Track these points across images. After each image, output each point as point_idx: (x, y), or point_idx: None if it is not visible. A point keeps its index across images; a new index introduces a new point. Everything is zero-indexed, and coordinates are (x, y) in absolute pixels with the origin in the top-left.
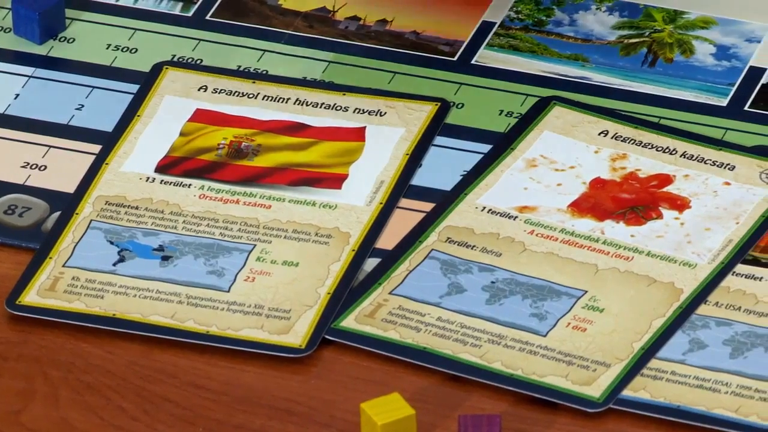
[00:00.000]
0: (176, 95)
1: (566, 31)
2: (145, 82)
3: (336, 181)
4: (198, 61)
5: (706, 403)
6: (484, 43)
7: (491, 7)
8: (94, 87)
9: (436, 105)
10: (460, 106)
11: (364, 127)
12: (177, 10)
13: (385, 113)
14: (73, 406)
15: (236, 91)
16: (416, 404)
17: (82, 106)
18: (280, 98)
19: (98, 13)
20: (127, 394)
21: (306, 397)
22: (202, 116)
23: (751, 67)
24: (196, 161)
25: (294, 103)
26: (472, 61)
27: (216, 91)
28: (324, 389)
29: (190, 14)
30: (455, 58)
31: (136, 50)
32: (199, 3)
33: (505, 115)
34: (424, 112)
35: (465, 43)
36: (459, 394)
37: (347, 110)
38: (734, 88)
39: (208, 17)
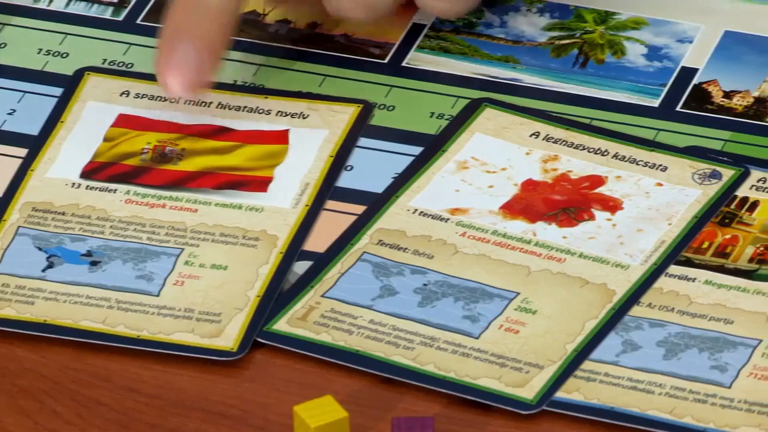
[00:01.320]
0: (98, 101)
1: (497, 33)
2: (67, 88)
3: (261, 184)
4: (129, 65)
5: (639, 405)
6: (415, 46)
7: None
8: (25, 92)
9: (359, 107)
10: (391, 108)
11: (288, 130)
12: (108, 14)
13: (308, 116)
14: (8, 411)
15: (158, 96)
16: (349, 407)
17: (14, 110)
18: (203, 102)
19: (29, 17)
20: (61, 398)
21: (239, 400)
22: (125, 121)
23: (682, 67)
24: (120, 166)
25: (216, 107)
26: (403, 64)
27: (138, 96)
28: (257, 392)
29: (120, 18)
30: (386, 61)
31: (68, 54)
32: (130, 7)
33: (436, 117)
34: (347, 114)
35: (395, 46)
36: (392, 396)
37: (270, 113)
38: (666, 89)
39: (139, 21)
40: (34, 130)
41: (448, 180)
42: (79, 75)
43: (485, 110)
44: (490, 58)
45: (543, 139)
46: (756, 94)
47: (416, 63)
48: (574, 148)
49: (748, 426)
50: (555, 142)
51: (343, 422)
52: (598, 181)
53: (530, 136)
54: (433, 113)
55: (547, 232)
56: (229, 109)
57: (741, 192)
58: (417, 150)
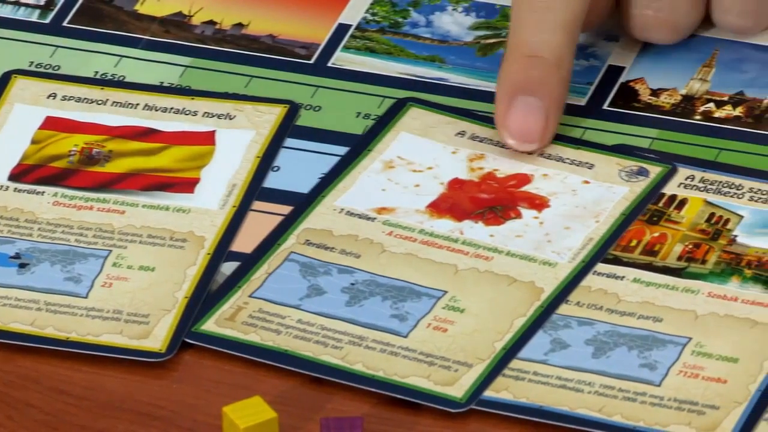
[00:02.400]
0: (26, 103)
1: (423, 33)
2: None
3: (188, 186)
4: (56, 68)
5: (569, 403)
6: (341, 46)
7: (347, 8)
8: None
9: (285, 107)
10: (317, 108)
11: (214, 131)
12: (34, 17)
13: (235, 116)
14: None
15: (85, 98)
16: (278, 407)
17: None
18: (129, 104)
19: None
20: None
21: (168, 401)
22: (52, 124)
23: (609, 66)
24: (48, 168)
25: (143, 109)
26: (329, 64)
27: (65, 99)
28: (186, 393)
29: (47, 21)
30: (312, 61)
31: None
32: (56, 10)
33: (363, 117)
34: (273, 114)
35: (321, 46)
36: (321, 396)
37: (196, 114)
38: (593, 88)
39: (65, 24)
40: None
41: (374, 179)
42: (6, 78)
43: (411, 110)
44: (416, 58)
45: (469, 138)
46: (684, 91)
47: (342, 63)
48: (500, 146)
49: (678, 424)
50: (481, 141)
51: (272, 423)
52: (524, 179)
53: (456, 135)
54: (359, 113)
55: (474, 230)
56: (156, 110)
57: (669, 190)
58: (343, 150)
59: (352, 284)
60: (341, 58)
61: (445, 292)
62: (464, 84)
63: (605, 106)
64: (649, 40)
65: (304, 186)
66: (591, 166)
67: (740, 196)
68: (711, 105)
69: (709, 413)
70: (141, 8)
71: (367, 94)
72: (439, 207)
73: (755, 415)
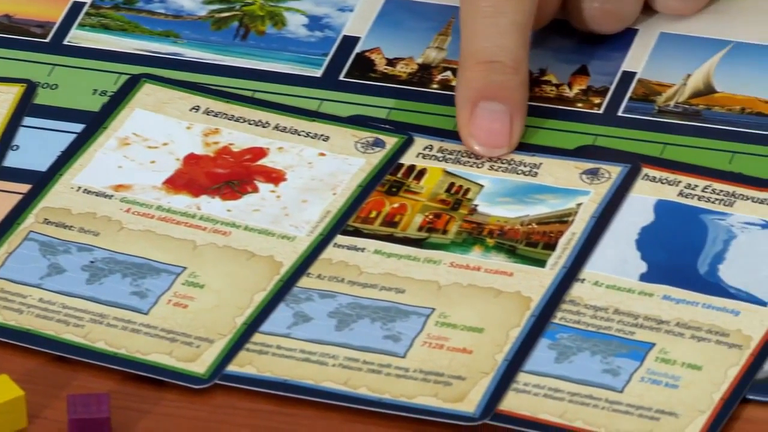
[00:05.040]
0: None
1: (157, 8)
2: None
3: None
4: None
5: (313, 377)
6: (76, 24)
7: None
8: None
9: (23, 86)
10: (54, 87)
11: None
12: None
13: None
14: None
15: None
16: (25, 385)
17: None
18: None
19: None
20: None
21: None
22: None
23: (344, 36)
24: None
25: None
26: (65, 42)
27: None
28: None
29: None
30: (47, 40)
31: None
32: None
33: (99, 95)
34: (11, 94)
35: (57, 25)
36: (66, 374)
37: None
38: (328, 59)
39: None
40: None
41: (110, 157)
42: None
43: (144, 86)
44: (150, 34)
45: (203, 113)
46: (420, 60)
47: (78, 41)
48: (235, 120)
49: (424, 396)
50: (215, 115)
51: (19, 401)
52: (259, 153)
53: (190, 110)
54: (95, 90)
55: (211, 205)
56: None
57: (407, 160)
58: (81, 128)
59: (92, 262)
60: (77, 36)
61: (185, 268)
62: (199, 58)
63: (341, 77)
64: (596, 32)
65: (43, 164)
66: (326, 138)
67: (480, 165)
68: (448, 73)
69: (455, 384)
70: None
71: (104, 71)
72: (175, 183)
73: (502, 385)
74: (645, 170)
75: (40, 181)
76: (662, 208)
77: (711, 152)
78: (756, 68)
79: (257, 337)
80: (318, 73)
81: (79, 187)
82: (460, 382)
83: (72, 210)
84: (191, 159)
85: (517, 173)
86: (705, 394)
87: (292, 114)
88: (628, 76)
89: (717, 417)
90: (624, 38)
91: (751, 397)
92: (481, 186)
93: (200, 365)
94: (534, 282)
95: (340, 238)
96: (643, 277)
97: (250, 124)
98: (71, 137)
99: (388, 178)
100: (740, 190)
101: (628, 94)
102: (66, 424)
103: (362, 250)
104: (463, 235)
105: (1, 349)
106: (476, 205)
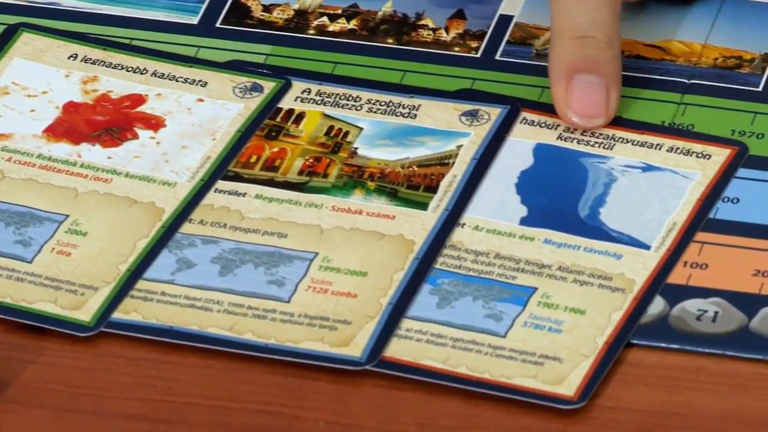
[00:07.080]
0: None
1: None
2: None
3: None
4: None
5: (199, 323)
6: None
7: None
8: None
9: None
10: None
11: None
12: None
13: None
14: None
15: None
16: None
17: None
18: None
19: None
20: None
21: None
22: None
23: None
24: None
25: None
26: None
27: None
28: None
29: None
30: None
31: None
32: None
33: None
34: None
35: None
36: None
37: None
38: (205, 5)
39: None
40: None
41: None
42: None
43: (23, 35)
44: None
45: (81, 61)
46: (296, 6)
47: None
48: (113, 68)
49: (310, 340)
50: (93, 63)
51: None
52: (138, 99)
53: (68, 58)
54: None
55: (92, 153)
56: None
57: (286, 104)
58: None
59: None
60: None
61: (67, 216)
62: (76, 7)
63: (218, 24)
64: None
65: None
66: (204, 84)
67: (359, 108)
68: (324, 19)
69: (341, 328)
70: None
71: None
72: (55, 131)
73: (388, 329)
74: (523, 114)
75: None
76: (541, 151)
77: None
78: (637, 13)
79: (141, 284)
80: (194, 20)
81: None
82: (346, 327)
83: None
84: (70, 107)
85: (396, 115)
86: (589, 339)
87: (170, 60)
88: (505, 20)
89: (601, 361)
90: None
91: (635, 341)
92: (360, 129)
93: (85, 313)
94: (416, 225)
95: (221, 184)
96: (524, 221)
97: (128, 71)
98: None
99: (267, 122)
100: (620, 133)
101: (506, 38)
102: None
103: (243, 195)
104: (344, 178)
105: None
106: (356, 149)
